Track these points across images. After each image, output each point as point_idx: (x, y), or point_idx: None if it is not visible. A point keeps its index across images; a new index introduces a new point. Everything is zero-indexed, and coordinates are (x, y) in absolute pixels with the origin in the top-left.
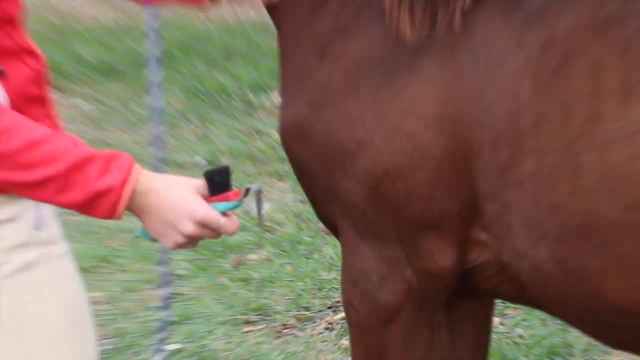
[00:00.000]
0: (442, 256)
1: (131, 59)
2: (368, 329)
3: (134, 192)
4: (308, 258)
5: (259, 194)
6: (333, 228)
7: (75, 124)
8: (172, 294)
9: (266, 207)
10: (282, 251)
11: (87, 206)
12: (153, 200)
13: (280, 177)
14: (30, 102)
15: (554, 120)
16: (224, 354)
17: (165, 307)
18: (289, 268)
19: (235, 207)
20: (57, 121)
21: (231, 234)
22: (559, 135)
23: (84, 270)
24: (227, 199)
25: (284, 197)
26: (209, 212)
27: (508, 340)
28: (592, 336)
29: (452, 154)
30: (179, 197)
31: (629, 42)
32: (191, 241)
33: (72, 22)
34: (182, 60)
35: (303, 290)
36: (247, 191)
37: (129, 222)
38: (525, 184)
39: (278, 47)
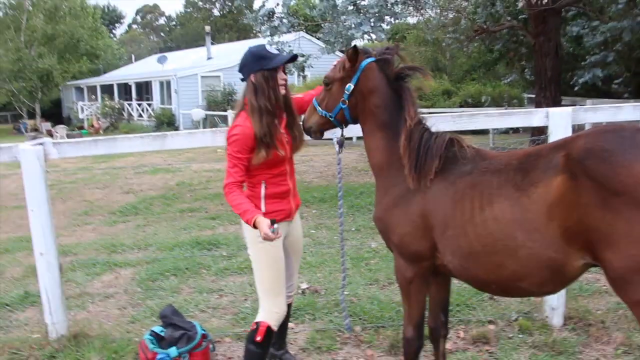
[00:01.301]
0: (425, 262)
1: (331, 196)
2: (404, 286)
3: (255, 221)
4: (391, 261)
5: (274, 223)
6: (391, 251)
7: (305, 218)
8: (345, 275)
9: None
10: (382, 260)
11: (247, 222)
12: (258, 224)
13: None
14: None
15: (457, 217)
16: (362, 294)
17: (344, 279)
18: (382, 265)
19: (274, 230)
20: (295, 199)
21: (272, 239)
22: (459, 222)
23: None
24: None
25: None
26: (267, 230)
27: (462, 288)
28: (478, 289)
29: (426, 226)
30: (263, 224)
31: (482, 191)
32: (266, 238)
33: (307, 182)
34: (348, 195)
35: (392, 272)
36: (274, 224)
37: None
38: (450, 238)
39: (376, 187)
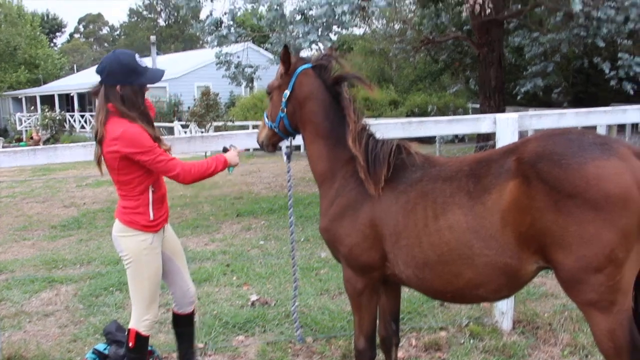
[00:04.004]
0: (375, 273)
1: (279, 207)
2: (354, 297)
3: (228, 161)
4: (341, 271)
5: (228, 147)
6: (339, 262)
7: (254, 229)
8: (296, 285)
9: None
10: (332, 270)
11: (223, 168)
12: (231, 160)
13: None
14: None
15: (410, 227)
16: (313, 304)
17: (295, 289)
18: (333, 275)
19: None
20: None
21: (235, 164)
22: (413, 232)
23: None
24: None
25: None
26: (235, 157)
27: (412, 296)
28: (433, 298)
29: (376, 237)
30: (233, 156)
31: (435, 200)
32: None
33: (255, 193)
34: (297, 205)
35: (342, 281)
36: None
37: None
38: (402, 248)
39: (320, 197)
